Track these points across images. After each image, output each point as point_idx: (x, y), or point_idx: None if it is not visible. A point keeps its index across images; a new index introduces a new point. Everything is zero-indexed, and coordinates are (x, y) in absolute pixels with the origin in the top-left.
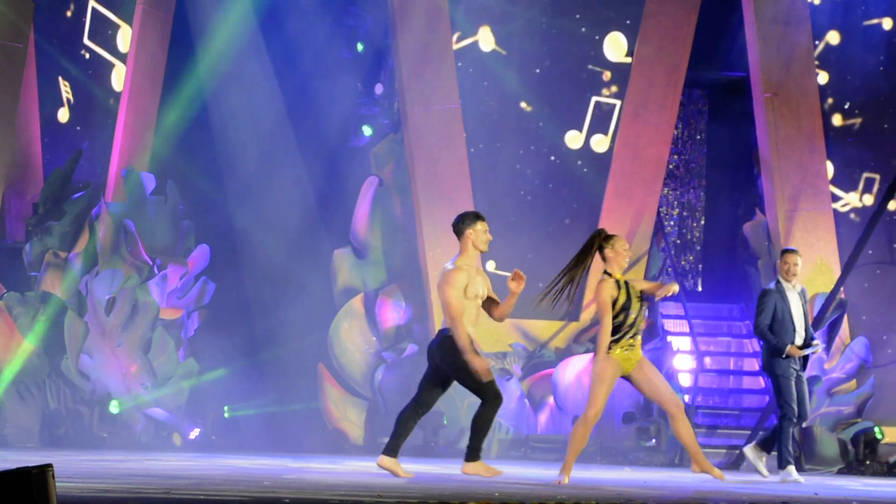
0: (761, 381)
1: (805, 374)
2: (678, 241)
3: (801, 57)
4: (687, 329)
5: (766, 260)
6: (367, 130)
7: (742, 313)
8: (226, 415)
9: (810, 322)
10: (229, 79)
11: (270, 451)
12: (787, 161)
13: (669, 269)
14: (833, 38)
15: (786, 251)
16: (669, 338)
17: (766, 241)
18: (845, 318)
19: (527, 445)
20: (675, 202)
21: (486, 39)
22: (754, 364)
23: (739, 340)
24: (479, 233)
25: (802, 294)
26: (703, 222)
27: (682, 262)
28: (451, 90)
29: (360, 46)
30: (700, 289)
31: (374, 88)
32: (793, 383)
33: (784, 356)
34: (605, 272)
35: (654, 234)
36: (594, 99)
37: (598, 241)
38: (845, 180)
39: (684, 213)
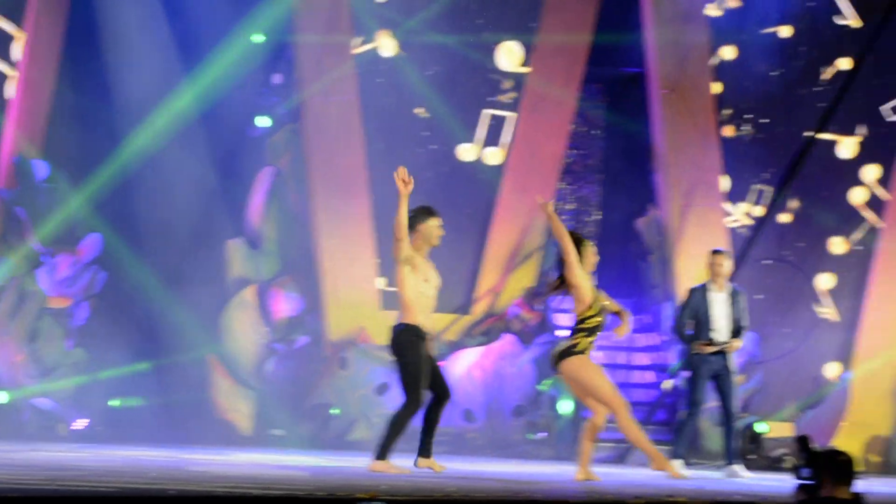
0: (651, 376)
1: (731, 373)
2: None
3: (697, 55)
4: None
5: (658, 255)
6: (263, 121)
7: (634, 308)
8: (114, 404)
9: (745, 322)
10: (128, 64)
11: (158, 442)
12: (682, 157)
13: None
14: (728, 52)
15: (712, 252)
16: (560, 332)
17: (659, 236)
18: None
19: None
20: (571, 197)
21: (386, 45)
22: (644, 358)
23: (630, 334)
24: (431, 228)
25: (733, 294)
26: (598, 217)
27: None
28: (350, 81)
29: (259, 37)
30: (595, 282)
31: (272, 78)
32: (704, 382)
33: (693, 352)
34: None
35: (548, 228)
36: (489, 112)
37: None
38: (737, 191)
39: (580, 208)
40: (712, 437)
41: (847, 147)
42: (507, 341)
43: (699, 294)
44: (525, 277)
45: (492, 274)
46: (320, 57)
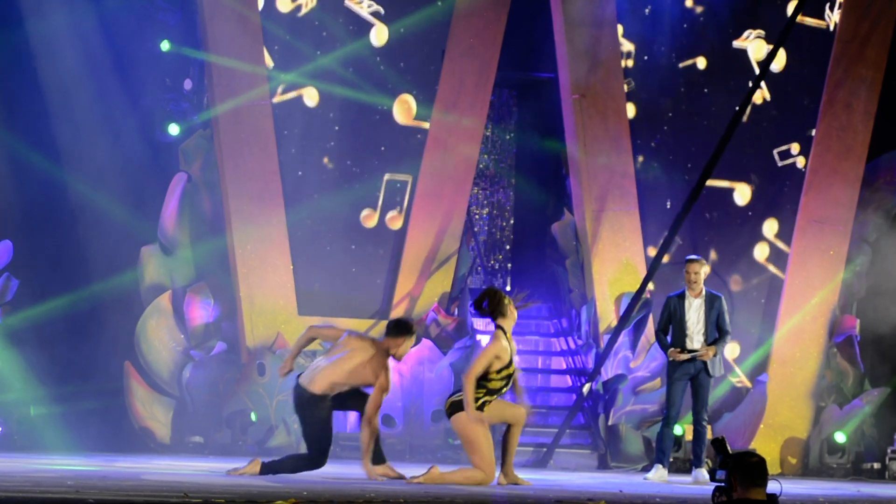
0: (569, 380)
1: (710, 378)
2: (487, 241)
3: (608, 59)
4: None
5: (573, 259)
6: (174, 129)
7: (550, 312)
8: (31, 412)
9: (725, 326)
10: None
11: (74, 450)
12: (594, 162)
13: (479, 269)
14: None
15: (686, 260)
16: (478, 336)
17: (574, 240)
18: (650, 317)
19: (335, 444)
20: (485, 201)
21: (310, 95)
22: (562, 363)
23: (547, 339)
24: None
25: (708, 301)
26: (512, 222)
27: (492, 262)
28: (262, 86)
29: (166, 45)
30: (509, 288)
31: (183, 83)
32: (676, 387)
33: (669, 359)
34: (501, 327)
35: (463, 233)
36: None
37: (502, 299)
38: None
39: (494, 213)
40: (633, 440)
41: (741, 194)
42: (424, 346)
43: (675, 301)
44: (441, 283)
45: (409, 279)
46: (231, 78)
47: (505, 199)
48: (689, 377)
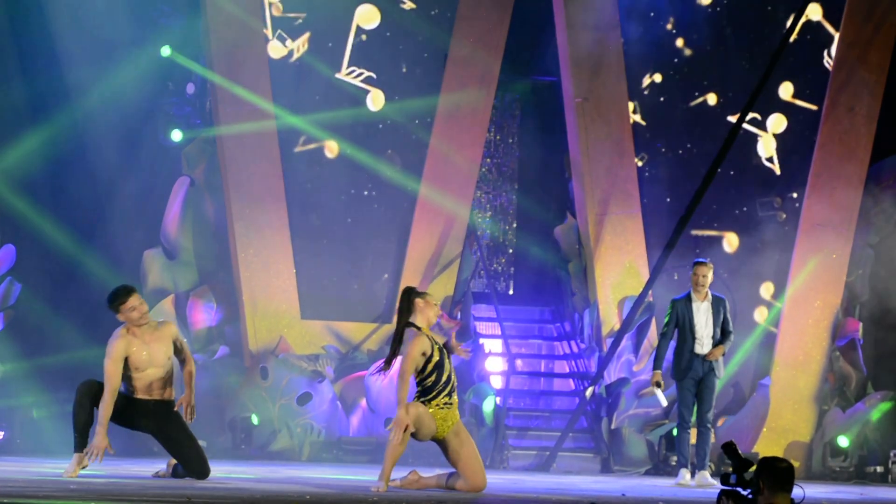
0: (571, 384)
1: (716, 379)
2: (491, 244)
3: (611, 63)
4: (499, 331)
5: (576, 263)
6: (176, 135)
7: (553, 316)
8: (35, 415)
9: (730, 327)
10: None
11: None
12: (597, 165)
13: (482, 272)
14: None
15: (694, 263)
16: (481, 340)
17: (577, 244)
18: (653, 320)
19: (339, 448)
20: (488, 205)
21: (331, 148)
22: (564, 366)
23: (550, 343)
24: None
25: (714, 304)
26: (515, 225)
27: (495, 265)
28: (265, 90)
29: (167, 51)
30: (512, 291)
31: (185, 87)
32: (686, 390)
33: (674, 362)
34: (413, 325)
35: (466, 237)
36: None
37: (409, 296)
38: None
39: (497, 217)
40: (636, 444)
41: (729, 242)
42: None
43: (682, 304)
44: (444, 286)
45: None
46: (233, 61)
47: (508, 203)
48: (696, 379)
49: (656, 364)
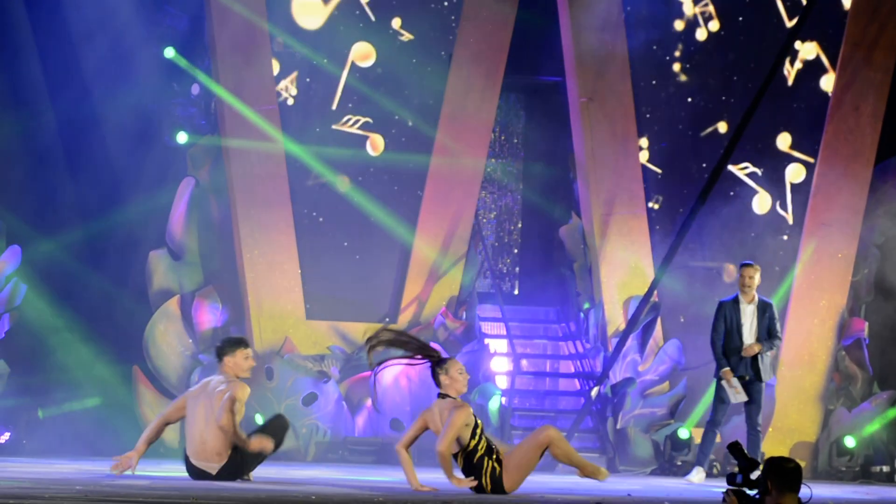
0: (576, 383)
1: (761, 383)
2: (496, 244)
3: (616, 62)
4: (504, 332)
5: (581, 263)
6: (182, 137)
7: (558, 316)
8: (40, 415)
9: (776, 332)
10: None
11: (83, 455)
12: (602, 165)
13: (487, 272)
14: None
15: (741, 265)
16: (487, 340)
17: (582, 244)
18: (658, 320)
19: (344, 448)
20: (493, 205)
21: (342, 183)
22: (570, 366)
23: (555, 343)
24: (238, 359)
25: (760, 306)
26: (520, 225)
27: (500, 265)
28: (269, 91)
29: (171, 52)
30: (517, 292)
31: (190, 88)
32: (723, 392)
33: (719, 379)
34: (448, 395)
35: (471, 237)
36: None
37: (434, 363)
38: None
39: (502, 217)
40: (641, 444)
41: (728, 273)
42: None
43: (729, 307)
44: (450, 287)
45: (417, 283)
46: (238, 61)
47: (513, 203)
48: (741, 382)
49: (720, 364)
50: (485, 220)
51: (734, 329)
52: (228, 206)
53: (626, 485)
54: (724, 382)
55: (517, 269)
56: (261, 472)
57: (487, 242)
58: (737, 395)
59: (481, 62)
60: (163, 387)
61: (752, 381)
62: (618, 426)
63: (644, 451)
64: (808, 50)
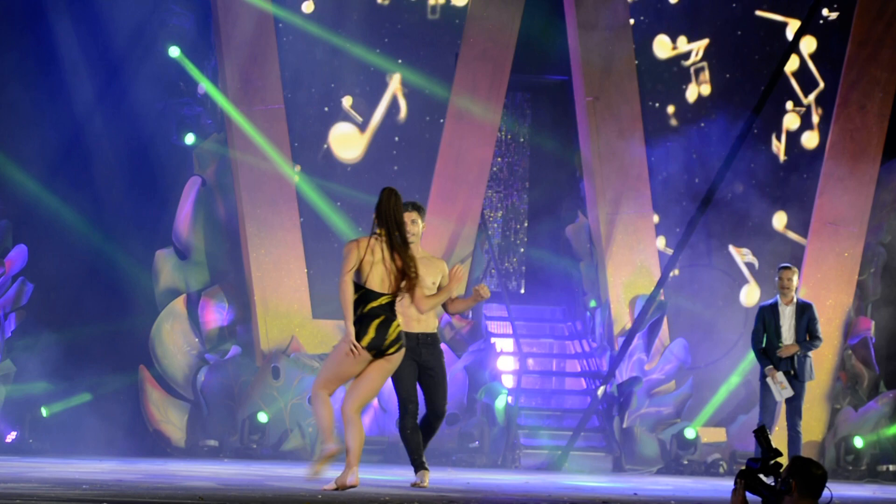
0: (583, 383)
1: (801, 384)
2: (502, 244)
3: (622, 62)
4: (510, 331)
5: (587, 262)
6: (189, 138)
7: (564, 315)
8: (44, 414)
9: (816, 333)
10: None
11: (88, 454)
12: (609, 165)
13: (493, 271)
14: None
15: (780, 267)
16: (493, 339)
17: (588, 243)
18: (664, 320)
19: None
20: (499, 204)
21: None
22: (576, 365)
23: (562, 342)
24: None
25: (799, 308)
26: (526, 225)
27: (506, 265)
28: (276, 90)
29: (175, 51)
30: (523, 291)
31: (196, 88)
32: (769, 393)
33: (765, 377)
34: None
35: (477, 236)
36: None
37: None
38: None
39: (508, 216)
40: (647, 443)
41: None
42: None
43: (768, 310)
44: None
45: None
46: (244, 61)
47: (519, 202)
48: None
49: (763, 363)
50: (491, 220)
51: (772, 330)
52: (235, 205)
53: (633, 484)
54: (768, 380)
55: (523, 268)
56: (268, 471)
57: (494, 241)
58: (783, 390)
59: (487, 61)
60: (169, 386)
61: (792, 382)
62: (624, 425)
63: (650, 450)
64: (790, 120)
